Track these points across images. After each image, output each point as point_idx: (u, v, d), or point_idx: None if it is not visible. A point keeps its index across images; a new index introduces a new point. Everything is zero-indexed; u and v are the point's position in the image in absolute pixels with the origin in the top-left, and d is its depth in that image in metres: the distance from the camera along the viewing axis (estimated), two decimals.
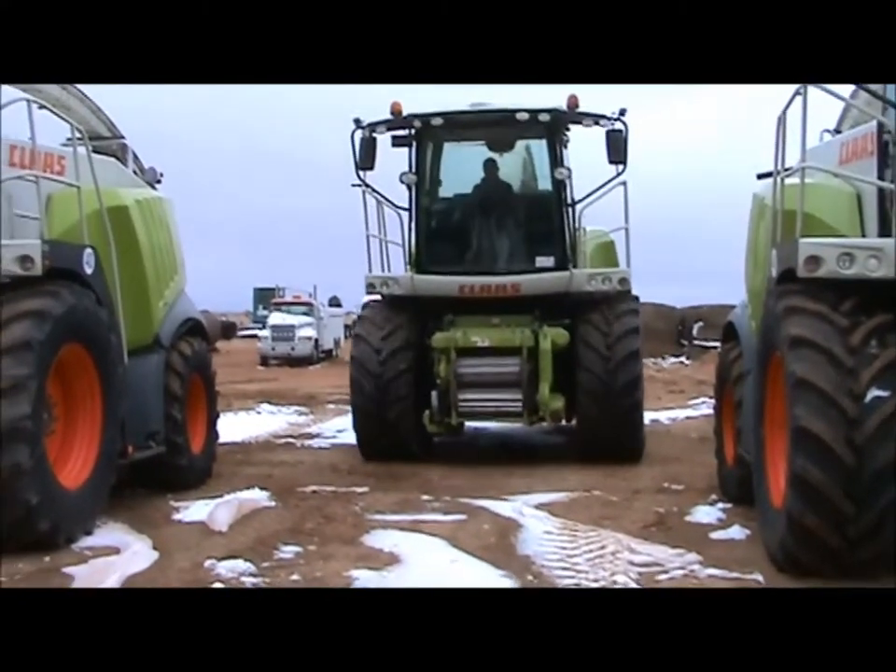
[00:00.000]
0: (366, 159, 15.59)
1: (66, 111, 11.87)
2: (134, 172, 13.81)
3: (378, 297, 16.10)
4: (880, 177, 8.99)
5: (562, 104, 15.02)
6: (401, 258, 16.30)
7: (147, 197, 13.02)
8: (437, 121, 15.43)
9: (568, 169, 15.46)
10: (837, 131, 11.55)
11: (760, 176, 11.73)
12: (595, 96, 15.16)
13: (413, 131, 15.56)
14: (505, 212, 16.07)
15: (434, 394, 14.87)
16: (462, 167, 16.60)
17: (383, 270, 16.25)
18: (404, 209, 15.89)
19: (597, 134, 15.13)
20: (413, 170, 15.65)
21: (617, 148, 15.00)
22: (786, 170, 9.75)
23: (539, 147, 16.01)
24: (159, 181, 14.47)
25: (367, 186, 15.85)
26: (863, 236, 9.27)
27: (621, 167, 15.12)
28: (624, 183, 15.28)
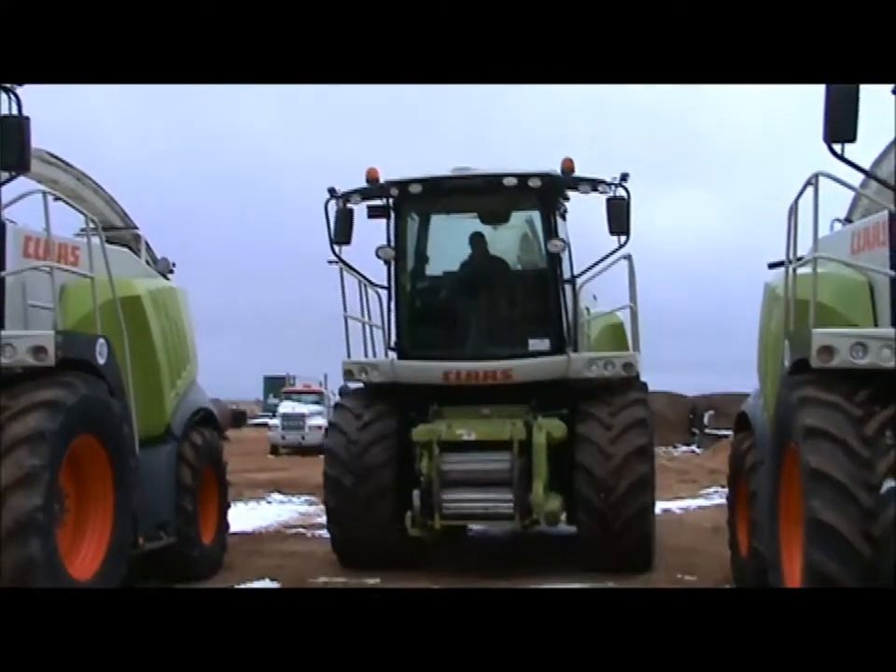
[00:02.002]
0: (341, 232, 14.30)
1: (81, 202, 12.00)
2: (147, 262, 13.91)
3: (359, 385, 14.72)
4: (893, 267, 8.99)
5: (556, 168, 13.72)
6: (383, 341, 14.79)
7: (159, 287, 13.11)
8: (415, 188, 13.94)
9: (564, 241, 14.02)
10: (848, 220, 11.60)
11: (771, 266, 11.74)
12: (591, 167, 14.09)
13: (390, 200, 14.20)
14: (495, 290, 14.69)
15: (416, 493, 13.22)
16: (447, 241, 15.19)
17: (366, 355, 14.80)
18: (384, 287, 14.50)
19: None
20: (392, 244, 14.24)
21: (619, 218, 13.65)
22: (798, 259, 9.77)
23: (533, 218, 14.61)
24: (171, 271, 14.56)
25: (343, 262, 14.43)
26: (876, 326, 9.25)
27: (623, 238, 13.79)
28: (629, 256, 14.03)
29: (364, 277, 14.61)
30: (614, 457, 13.00)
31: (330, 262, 14.45)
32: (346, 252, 14.50)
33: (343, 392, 15.31)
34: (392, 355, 14.48)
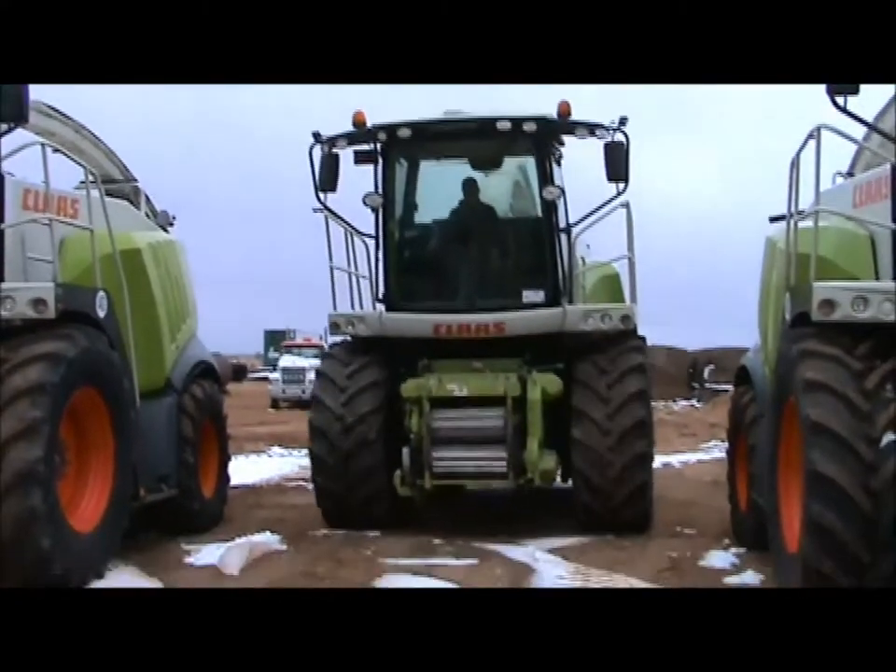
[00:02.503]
0: (327, 179, 13.53)
1: (80, 154, 11.92)
2: (147, 215, 13.85)
3: (346, 338, 14.12)
4: (894, 220, 8.97)
5: (552, 111, 12.93)
6: (370, 293, 14.11)
7: (159, 240, 13.07)
8: (404, 133, 13.23)
9: (560, 188, 13.38)
10: (850, 173, 11.55)
11: (773, 220, 11.72)
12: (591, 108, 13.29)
13: (377, 145, 13.48)
14: (487, 239, 13.94)
15: (405, 451, 12.63)
16: (438, 188, 14.55)
17: (352, 307, 14.16)
18: (371, 236, 13.82)
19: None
20: (380, 191, 13.53)
21: (616, 163, 12.84)
22: (799, 213, 9.75)
23: (527, 164, 13.96)
24: (171, 224, 14.51)
25: (329, 210, 13.72)
26: (877, 280, 9.24)
27: (622, 185, 12.98)
28: (627, 205, 13.26)
29: (350, 226, 13.99)
30: (612, 401, 12.45)
31: (315, 210, 13.78)
32: (332, 200, 13.81)
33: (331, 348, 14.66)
34: (380, 307, 13.93)
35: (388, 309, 13.72)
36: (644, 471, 12.48)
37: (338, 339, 14.32)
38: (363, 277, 14.11)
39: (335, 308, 14.08)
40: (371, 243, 13.80)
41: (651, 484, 12.77)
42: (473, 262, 13.79)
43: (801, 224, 9.67)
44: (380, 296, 13.89)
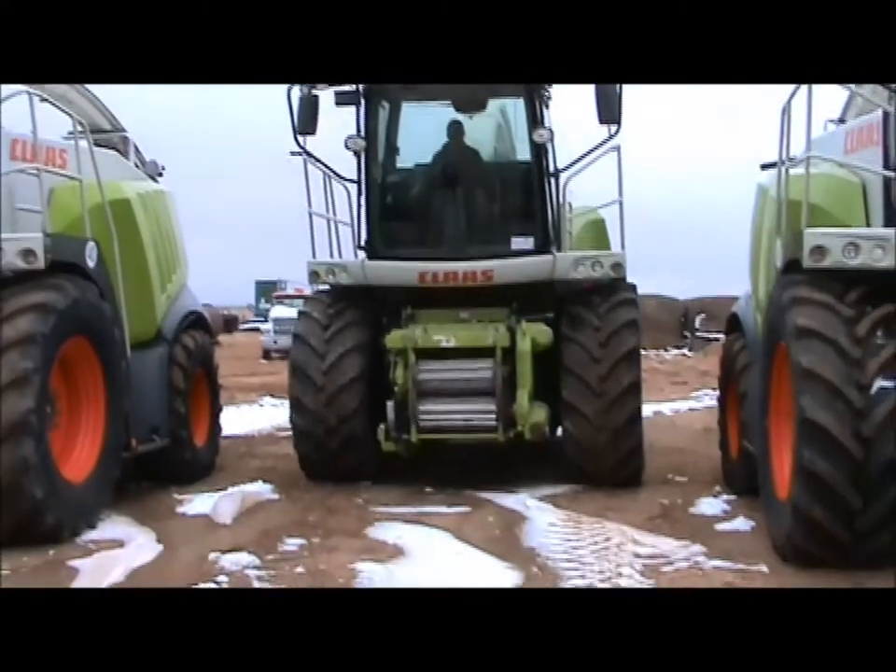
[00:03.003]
0: (306, 121, 12.88)
1: (68, 104, 11.82)
2: (136, 165, 13.76)
3: (325, 287, 13.60)
4: (886, 167, 8.96)
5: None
6: (352, 240, 13.57)
7: (148, 190, 13.02)
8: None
9: (550, 130, 12.81)
10: (842, 120, 11.52)
11: (764, 167, 11.69)
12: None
13: (359, 86, 12.83)
14: (474, 184, 13.26)
15: (390, 405, 12.21)
16: (422, 131, 13.95)
17: (332, 255, 13.67)
18: (352, 181, 13.23)
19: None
20: (362, 133, 12.93)
21: (609, 104, 12.30)
22: (790, 160, 9.72)
23: (515, 106, 13.33)
24: (160, 174, 14.42)
25: (307, 154, 13.08)
26: (868, 226, 9.24)
27: (614, 127, 12.45)
28: (618, 148, 12.67)
29: (331, 170, 13.42)
30: (603, 361, 12.00)
31: (293, 154, 13.15)
32: (311, 143, 13.14)
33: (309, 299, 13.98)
34: (361, 254, 13.40)
35: (371, 257, 13.17)
36: (636, 432, 12.16)
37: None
38: (344, 224, 13.66)
39: (314, 256, 13.57)
40: (353, 188, 13.28)
41: (642, 444, 12.42)
42: (459, 208, 13.10)
43: (792, 171, 9.64)
44: (362, 243, 13.38)
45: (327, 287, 13.49)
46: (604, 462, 12.06)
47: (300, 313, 13.53)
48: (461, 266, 12.61)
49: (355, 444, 12.47)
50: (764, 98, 11.46)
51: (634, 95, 12.94)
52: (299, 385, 12.64)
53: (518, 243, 12.85)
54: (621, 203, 13.14)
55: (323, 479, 12.58)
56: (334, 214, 13.67)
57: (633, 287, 13.01)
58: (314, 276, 13.32)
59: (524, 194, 13.20)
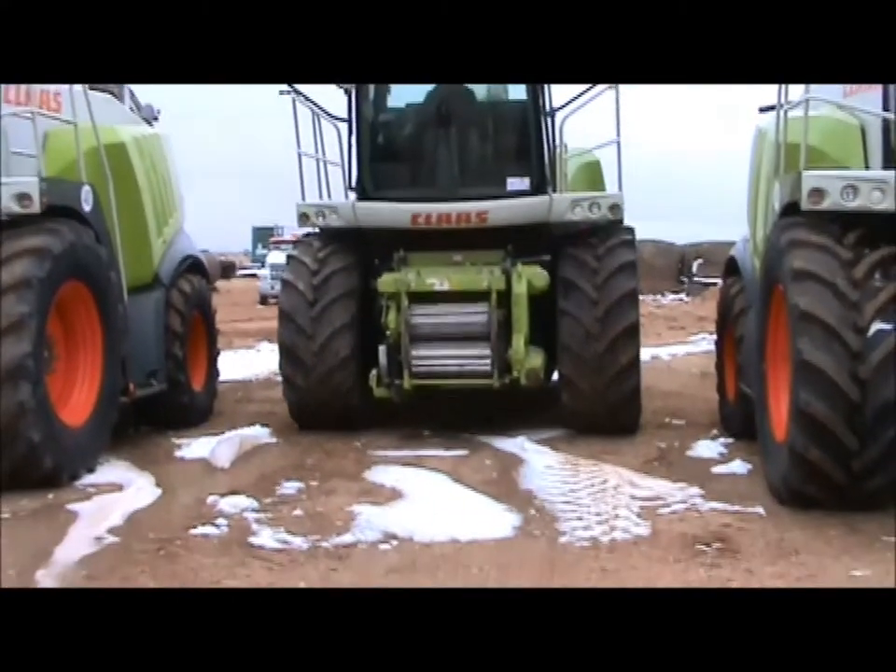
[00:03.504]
0: None
1: None
2: (131, 109, 13.70)
3: (313, 230, 13.28)
4: (885, 109, 8.92)
5: None
6: (343, 182, 13.15)
7: (144, 134, 12.96)
8: None
9: None
10: None
11: (762, 109, 11.62)
12: None
13: None
14: (468, 124, 12.86)
15: (382, 350, 11.98)
16: None
17: (321, 196, 13.35)
18: (343, 120, 12.90)
19: None
20: None
21: None
22: (789, 102, 9.67)
23: None
24: (156, 118, 14.37)
25: (297, 92, 12.73)
26: (867, 168, 9.21)
27: None
28: (616, 86, 12.21)
29: (320, 108, 13.08)
30: (601, 303, 11.74)
31: (282, 93, 12.75)
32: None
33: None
34: (352, 196, 12.99)
35: (362, 198, 12.74)
36: (634, 376, 11.93)
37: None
38: (334, 165, 13.32)
39: (303, 198, 13.23)
40: (344, 127, 12.91)
41: (640, 388, 12.21)
42: (453, 148, 12.71)
43: (791, 113, 9.59)
44: (352, 184, 12.95)
45: (316, 229, 13.20)
46: (600, 407, 11.83)
47: (288, 257, 13.16)
48: (455, 207, 12.25)
49: (346, 393, 12.24)
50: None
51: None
52: (287, 333, 12.37)
53: (513, 183, 12.50)
54: (618, 144, 12.80)
55: (314, 428, 12.36)
56: (323, 154, 13.36)
57: (631, 230, 12.74)
58: (303, 219, 12.99)
59: (519, 134, 12.84)
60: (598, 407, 11.85)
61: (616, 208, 12.47)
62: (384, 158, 13.02)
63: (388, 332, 11.96)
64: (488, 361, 11.82)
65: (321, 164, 13.37)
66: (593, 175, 14.19)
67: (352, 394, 12.29)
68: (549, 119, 12.69)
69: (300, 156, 13.18)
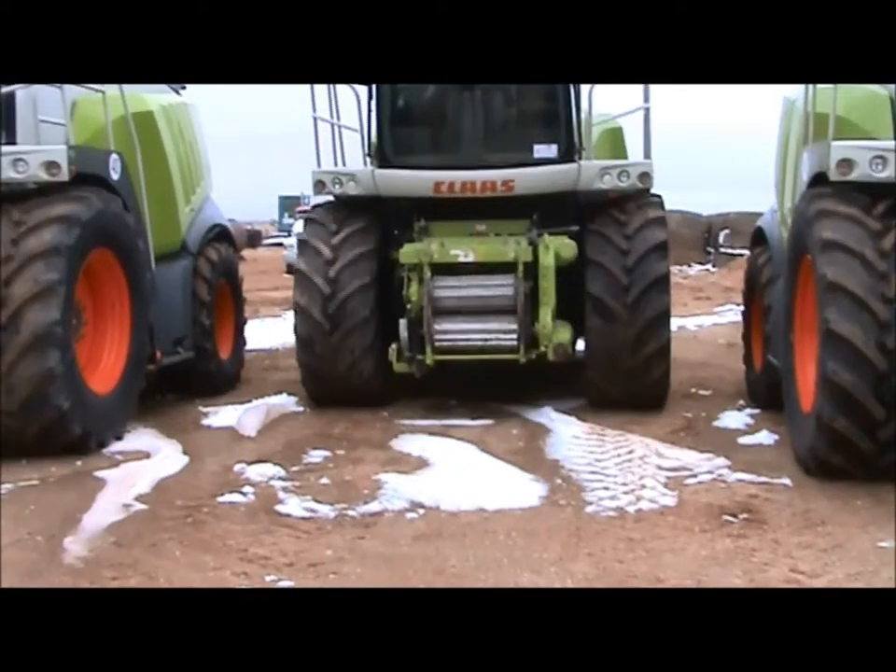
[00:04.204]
0: None
1: None
2: None
3: (330, 198, 12.73)
4: None
5: None
6: (361, 148, 12.73)
7: (171, 102, 12.96)
8: None
9: None
10: None
11: None
12: None
13: None
14: (494, 87, 12.15)
15: (402, 323, 11.49)
16: None
17: (336, 163, 12.87)
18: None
19: None
20: None
21: None
22: None
23: None
24: (183, 87, 14.37)
25: None
26: None
27: None
28: None
29: None
30: (631, 289, 11.28)
31: None
32: None
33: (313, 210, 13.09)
34: (370, 163, 12.59)
35: (381, 165, 12.17)
36: (664, 332, 11.49)
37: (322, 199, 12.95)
38: (352, 130, 12.83)
39: (319, 165, 12.71)
40: (363, 91, 12.24)
41: (670, 349, 11.76)
42: (478, 113, 11.98)
43: (820, 84, 9.55)
44: (371, 151, 12.53)
45: (332, 198, 12.70)
46: (624, 385, 11.49)
47: (306, 219, 12.74)
48: (479, 175, 11.74)
49: (364, 361, 11.80)
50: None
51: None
52: (304, 293, 11.90)
53: (541, 150, 11.91)
54: (647, 110, 12.62)
55: (328, 402, 11.95)
56: (338, 119, 12.93)
57: (661, 200, 12.33)
58: (319, 186, 12.41)
59: (547, 98, 12.17)
60: (622, 384, 11.49)
61: (646, 177, 12.02)
62: (404, 123, 12.52)
63: (410, 305, 11.49)
64: (514, 335, 11.38)
65: (336, 129, 12.96)
66: (615, 142, 13.89)
67: (371, 367, 11.83)
68: (577, 84, 12.07)
69: (315, 120, 12.65)
